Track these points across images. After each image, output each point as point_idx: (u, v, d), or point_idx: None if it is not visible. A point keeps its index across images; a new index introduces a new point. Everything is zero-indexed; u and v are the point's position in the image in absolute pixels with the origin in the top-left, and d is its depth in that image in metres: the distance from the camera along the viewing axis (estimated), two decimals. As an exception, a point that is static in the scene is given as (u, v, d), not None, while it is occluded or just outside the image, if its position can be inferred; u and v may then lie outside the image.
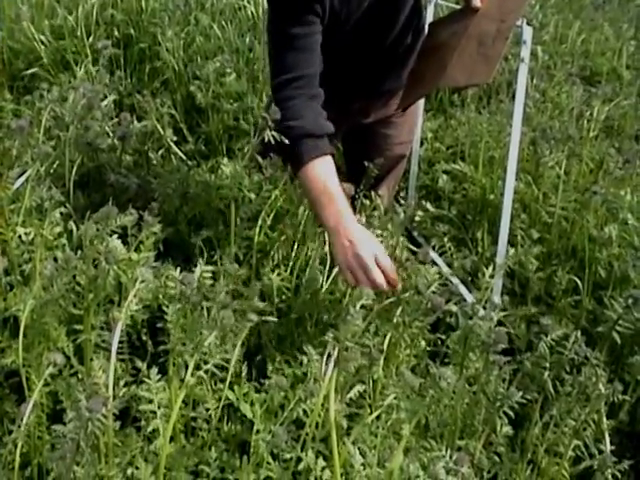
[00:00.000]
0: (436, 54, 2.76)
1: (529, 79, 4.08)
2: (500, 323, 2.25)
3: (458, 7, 2.97)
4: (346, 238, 2.15)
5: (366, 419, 1.81)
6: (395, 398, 1.79)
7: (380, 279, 2.10)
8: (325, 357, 1.77)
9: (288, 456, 1.71)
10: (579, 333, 2.00)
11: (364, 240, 2.15)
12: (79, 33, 4.62)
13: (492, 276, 2.46)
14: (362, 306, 1.94)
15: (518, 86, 2.75)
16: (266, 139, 2.25)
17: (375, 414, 1.82)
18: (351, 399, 1.89)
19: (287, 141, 2.30)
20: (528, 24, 2.75)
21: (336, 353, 1.75)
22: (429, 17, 3.21)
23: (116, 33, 4.89)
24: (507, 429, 1.98)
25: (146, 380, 1.83)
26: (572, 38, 5.40)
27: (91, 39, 4.64)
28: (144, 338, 2.25)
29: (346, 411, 1.87)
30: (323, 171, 2.28)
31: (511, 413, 1.90)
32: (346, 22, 2.48)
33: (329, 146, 2.34)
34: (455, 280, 2.74)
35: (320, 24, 2.37)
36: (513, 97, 3.77)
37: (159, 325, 2.03)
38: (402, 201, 2.72)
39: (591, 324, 2.67)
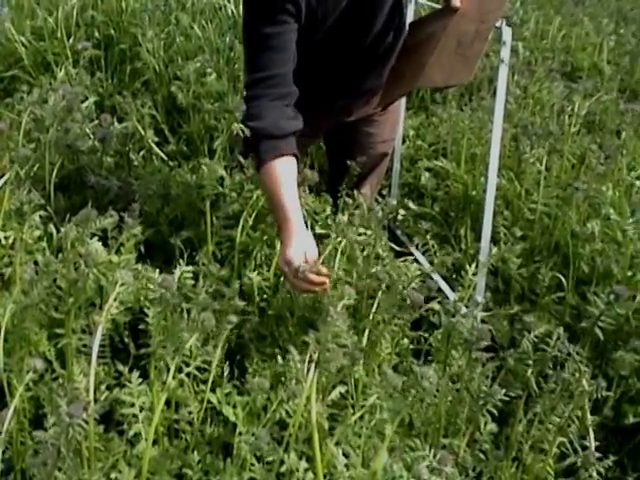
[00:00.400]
0: (415, 53, 2.76)
1: (510, 75, 4.08)
2: (483, 320, 2.24)
3: (439, 7, 2.97)
4: (286, 241, 2.23)
5: (349, 420, 1.81)
6: (378, 398, 1.79)
7: (305, 281, 2.14)
8: (307, 358, 1.77)
9: (271, 458, 1.70)
10: (562, 330, 2.00)
11: (300, 244, 2.21)
12: (59, 34, 4.60)
13: (475, 274, 2.46)
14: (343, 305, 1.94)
15: (498, 86, 2.75)
16: (234, 132, 2.31)
17: (358, 414, 1.81)
18: (334, 400, 1.89)
19: (250, 141, 2.38)
20: (508, 24, 2.74)
21: (317, 355, 1.74)
22: (410, 16, 3.20)
23: (96, 34, 4.86)
24: (491, 426, 1.97)
25: (127, 384, 1.82)
26: (553, 34, 5.42)
27: (71, 40, 4.62)
28: (126, 340, 2.23)
29: (328, 412, 1.86)
30: (279, 172, 2.32)
31: (495, 411, 1.90)
32: (323, 21, 2.48)
33: (290, 147, 2.37)
34: (437, 277, 2.74)
35: (295, 23, 2.38)
36: (494, 94, 3.78)
37: (141, 327, 2.03)
38: (381, 200, 2.70)
39: (575, 320, 2.67)
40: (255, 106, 2.33)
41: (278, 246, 2.41)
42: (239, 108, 2.34)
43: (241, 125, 2.30)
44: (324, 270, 2.15)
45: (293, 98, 2.40)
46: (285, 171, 2.32)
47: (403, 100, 3.41)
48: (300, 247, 2.18)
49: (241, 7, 4.66)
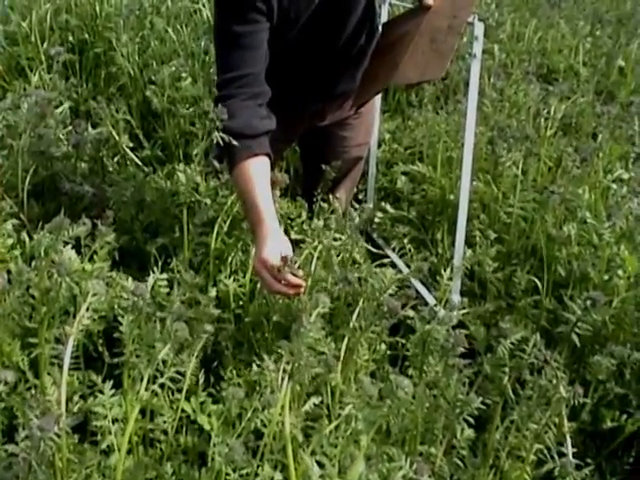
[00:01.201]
0: (389, 53, 2.76)
1: (486, 78, 4.09)
2: (460, 324, 2.24)
3: (411, 6, 2.98)
4: (260, 242, 2.20)
5: (324, 429, 1.79)
6: (354, 407, 1.77)
7: (279, 280, 2.13)
8: (281, 368, 1.75)
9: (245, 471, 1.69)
10: (538, 336, 1.99)
11: (274, 245, 2.18)
12: (33, 39, 4.57)
13: (451, 278, 2.46)
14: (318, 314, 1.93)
15: (471, 81, 2.76)
16: (214, 141, 2.28)
17: (333, 424, 1.80)
18: (310, 409, 1.88)
19: (223, 141, 2.35)
20: (480, 20, 2.74)
21: (290, 366, 1.73)
22: (384, 17, 3.20)
23: (71, 38, 4.84)
24: (468, 433, 1.97)
25: (99, 395, 1.81)
26: (529, 36, 5.43)
27: (45, 45, 4.59)
28: (100, 349, 2.21)
29: (304, 422, 1.85)
30: (251, 173, 2.31)
31: (471, 419, 1.90)
32: (296, 20, 2.49)
33: (263, 146, 2.36)
34: (415, 282, 2.73)
35: (266, 22, 2.38)
36: (471, 96, 3.79)
37: (115, 335, 2.01)
38: (357, 205, 2.70)
39: (551, 323, 2.67)
40: (227, 105, 2.31)
41: (253, 251, 2.37)
42: (211, 108, 2.32)
43: (220, 133, 2.27)
44: (300, 272, 2.14)
45: (266, 97, 2.40)
46: (258, 171, 2.32)
47: (378, 103, 3.41)
48: (276, 247, 2.15)
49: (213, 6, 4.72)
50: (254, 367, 2.06)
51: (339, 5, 2.55)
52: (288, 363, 1.76)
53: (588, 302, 2.08)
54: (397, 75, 2.67)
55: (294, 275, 2.12)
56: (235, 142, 2.30)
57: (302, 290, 2.15)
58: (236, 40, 2.35)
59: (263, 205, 2.25)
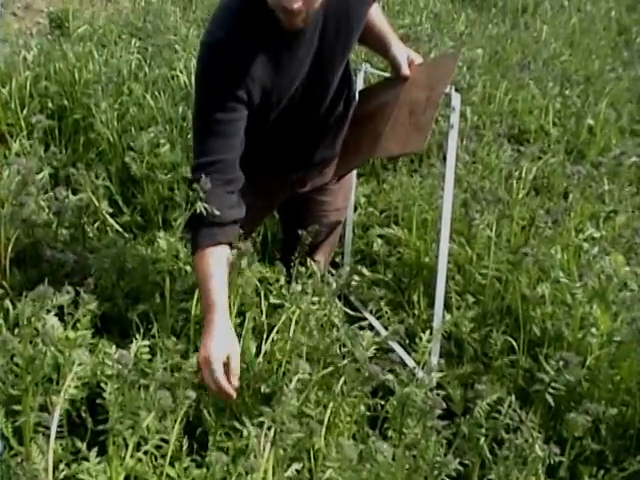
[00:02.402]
0: (369, 123, 2.81)
1: (459, 140, 4.15)
2: (437, 385, 2.28)
3: (387, 74, 3.04)
4: (206, 334, 2.22)
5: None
6: (335, 471, 1.81)
7: (216, 383, 2.15)
8: (263, 434, 1.79)
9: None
10: (514, 397, 2.03)
11: (219, 339, 2.20)
12: (13, 105, 4.62)
13: (429, 340, 2.50)
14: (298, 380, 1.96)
15: (448, 151, 2.80)
16: (197, 210, 2.27)
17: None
18: (292, 473, 1.90)
19: (188, 225, 2.41)
20: (456, 90, 2.80)
21: (271, 433, 1.77)
22: (359, 84, 3.25)
23: (50, 105, 4.88)
24: (448, 494, 2.00)
25: (84, 462, 1.83)
26: (500, 98, 5.51)
27: (25, 111, 4.64)
28: (84, 415, 2.23)
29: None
30: (211, 261, 2.34)
31: (448, 480, 1.92)
32: (278, 103, 2.52)
33: (227, 235, 2.39)
34: (394, 345, 2.76)
35: (245, 110, 2.40)
36: (444, 159, 3.84)
37: (98, 401, 2.03)
38: (334, 270, 2.73)
39: (528, 382, 2.70)
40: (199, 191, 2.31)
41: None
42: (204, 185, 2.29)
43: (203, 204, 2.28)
44: (235, 382, 2.17)
45: (238, 184, 2.43)
46: (217, 260, 2.35)
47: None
48: (222, 347, 2.18)
49: (193, 77, 4.76)
50: (237, 433, 2.09)
51: (319, 82, 2.59)
52: (270, 429, 1.80)
53: (561, 363, 2.13)
54: (379, 148, 2.71)
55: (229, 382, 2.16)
56: (201, 228, 2.35)
57: (232, 398, 2.18)
58: (215, 126, 2.38)
59: (216, 298, 2.27)
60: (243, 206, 2.46)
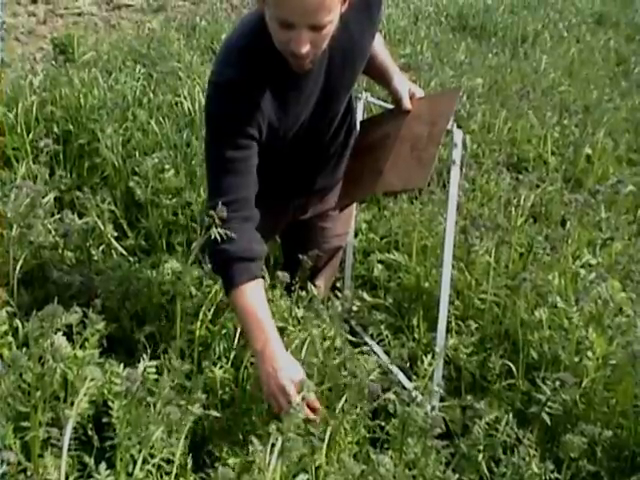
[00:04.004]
0: (370, 155, 2.84)
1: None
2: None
3: (387, 105, 3.07)
4: (270, 365, 2.23)
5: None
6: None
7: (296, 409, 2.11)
8: (269, 447, 1.83)
9: None
10: (511, 416, 2.08)
11: (287, 368, 2.23)
12: (19, 130, 4.68)
13: (431, 364, 2.54)
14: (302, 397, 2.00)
15: (451, 187, 2.81)
16: (212, 236, 2.29)
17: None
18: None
19: (219, 263, 2.43)
20: (457, 123, 2.83)
21: (280, 444, 1.81)
22: (359, 113, 3.28)
23: (55, 129, 4.93)
24: (447, 512, 2.03)
25: (95, 475, 1.87)
26: (499, 127, 5.56)
27: (31, 135, 4.70)
28: (90, 433, 2.27)
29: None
30: (254, 295, 2.37)
31: (449, 497, 1.96)
32: (284, 137, 2.54)
33: (260, 269, 2.43)
34: (394, 369, 2.79)
35: (257, 146, 2.42)
36: (444, 186, 3.90)
37: (105, 420, 2.08)
38: (339, 294, 2.77)
39: (526, 405, 2.73)
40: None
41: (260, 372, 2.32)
42: (221, 212, 2.30)
43: (218, 230, 2.30)
44: (317, 405, 2.19)
45: (255, 222, 2.45)
46: (260, 294, 2.38)
47: (356, 195, 3.49)
48: (287, 373, 2.21)
49: (197, 104, 4.81)
50: (243, 449, 2.13)
51: (325, 115, 2.63)
52: (274, 445, 1.84)
53: (557, 383, 2.17)
54: (381, 183, 2.73)
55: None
56: (235, 265, 2.37)
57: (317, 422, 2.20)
58: (228, 165, 2.39)
59: (268, 330, 2.30)
60: (262, 241, 2.50)
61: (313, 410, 2.18)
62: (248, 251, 2.38)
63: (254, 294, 2.37)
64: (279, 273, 2.49)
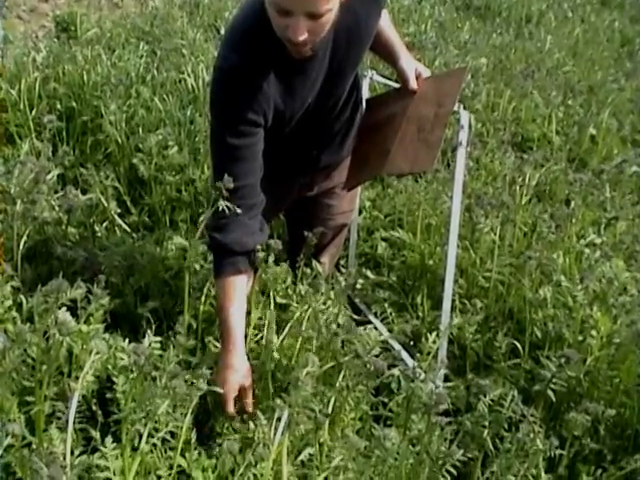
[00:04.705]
0: (376, 135, 2.82)
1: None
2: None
3: (392, 83, 3.05)
4: (230, 361, 2.34)
5: (315, 480, 1.86)
6: (342, 460, 1.85)
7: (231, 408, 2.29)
8: (274, 422, 1.83)
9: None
10: (516, 392, 2.08)
11: (240, 370, 2.32)
12: (22, 106, 4.67)
13: (435, 342, 2.54)
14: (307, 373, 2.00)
15: (457, 168, 2.80)
16: (220, 209, 2.28)
17: (323, 475, 1.87)
18: (300, 462, 1.95)
19: (211, 249, 2.49)
20: (462, 102, 2.82)
21: (286, 417, 1.81)
22: (364, 91, 3.26)
23: (58, 106, 4.92)
24: (450, 488, 2.04)
25: (101, 448, 1.87)
26: (503, 106, 5.56)
27: (34, 112, 4.69)
28: (94, 408, 2.27)
29: (295, 473, 1.92)
30: (232, 289, 2.41)
31: (454, 471, 1.97)
32: (290, 120, 2.54)
33: (248, 263, 2.47)
34: (397, 345, 2.79)
35: (262, 131, 2.41)
36: (448, 166, 3.90)
37: (108, 396, 2.08)
38: (343, 269, 2.77)
39: (530, 383, 2.73)
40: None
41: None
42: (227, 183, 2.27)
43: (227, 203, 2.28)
44: (250, 410, 2.30)
45: (260, 208, 2.47)
46: (239, 290, 2.42)
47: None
48: (237, 380, 2.30)
49: (200, 81, 4.80)
50: (245, 424, 2.14)
51: (331, 95, 2.61)
52: (279, 420, 1.84)
53: (562, 359, 2.17)
54: (388, 165, 2.72)
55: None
56: (223, 256, 2.43)
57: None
58: (234, 152, 2.38)
59: (234, 329, 2.37)
60: (266, 228, 2.53)
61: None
62: (238, 244, 2.41)
63: (232, 290, 2.42)
64: (271, 241, 2.50)
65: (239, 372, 2.31)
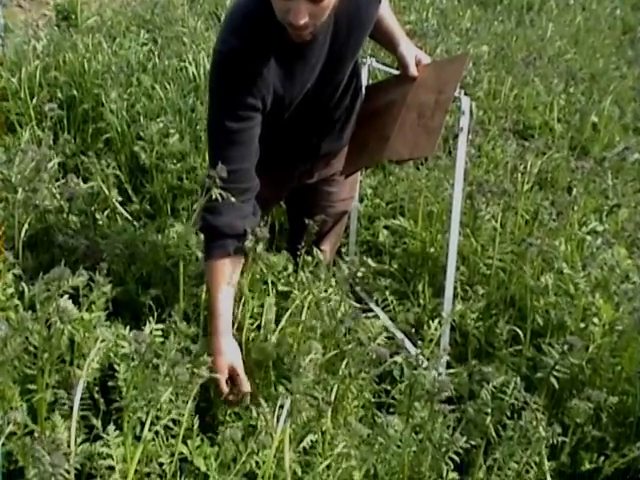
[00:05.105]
0: (376, 122, 2.81)
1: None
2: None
3: (392, 70, 3.04)
4: (217, 344, 2.34)
5: (318, 468, 1.86)
6: (345, 447, 1.85)
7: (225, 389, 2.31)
8: (276, 409, 1.83)
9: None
10: (519, 379, 2.08)
11: (228, 352, 2.34)
12: (23, 95, 4.66)
13: (437, 329, 2.53)
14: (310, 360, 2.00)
15: (458, 154, 2.79)
16: (213, 197, 2.26)
17: (326, 463, 1.87)
18: (303, 449, 1.95)
19: (202, 231, 2.48)
20: (464, 90, 2.81)
21: (288, 404, 1.81)
22: (364, 78, 3.25)
23: (59, 94, 4.93)
24: (453, 475, 2.04)
25: (104, 436, 1.87)
26: (505, 93, 5.54)
27: (35, 101, 4.69)
28: (96, 396, 2.27)
29: (298, 460, 1.92)
30: (221, 273, 2.41)
31: (456, 458, 1.97)
32: (290, 105, 2.53)
33: (239, 246, 2.44)
34: (398, 333, 2.79)
35: (260, 116, 2.41)
36: (450, 153, 3.89)
37: (110, 384, 2.08)
38: (346, 257, 2.76)
39: (531, 371, 2.73)
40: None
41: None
42: (221, 172, 2.24)
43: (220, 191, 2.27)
44: (247, 388, 2.30)
45: (253, 192, 2.47)
46: (227, 274, 2.41)
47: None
48: (227, 361, 2.31)
49: (202, 69, 4.79)
50: (247, 412, 2.14)
51: (330, 81, 2.61)
52: (282, 407, 1.84)
53: (565, 347, 2.17)
54: (388, 150, 2.70)
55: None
56: (213, 239, 2.43)
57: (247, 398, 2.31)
58: (230, 136, 2.38)
59: (222, 312, 2.37)
60: (258, 211, 2.52)
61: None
62: (229, 227, 2.40)
63: (222, 272, 2.41)
64: (257, 230, 2.49)
65: (226, 354, 2.31)
